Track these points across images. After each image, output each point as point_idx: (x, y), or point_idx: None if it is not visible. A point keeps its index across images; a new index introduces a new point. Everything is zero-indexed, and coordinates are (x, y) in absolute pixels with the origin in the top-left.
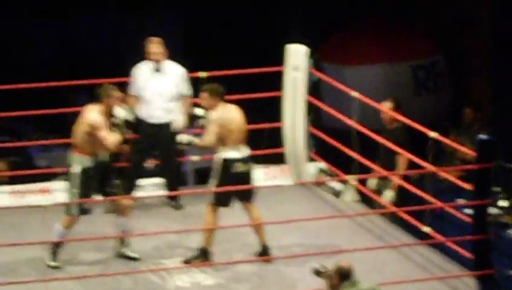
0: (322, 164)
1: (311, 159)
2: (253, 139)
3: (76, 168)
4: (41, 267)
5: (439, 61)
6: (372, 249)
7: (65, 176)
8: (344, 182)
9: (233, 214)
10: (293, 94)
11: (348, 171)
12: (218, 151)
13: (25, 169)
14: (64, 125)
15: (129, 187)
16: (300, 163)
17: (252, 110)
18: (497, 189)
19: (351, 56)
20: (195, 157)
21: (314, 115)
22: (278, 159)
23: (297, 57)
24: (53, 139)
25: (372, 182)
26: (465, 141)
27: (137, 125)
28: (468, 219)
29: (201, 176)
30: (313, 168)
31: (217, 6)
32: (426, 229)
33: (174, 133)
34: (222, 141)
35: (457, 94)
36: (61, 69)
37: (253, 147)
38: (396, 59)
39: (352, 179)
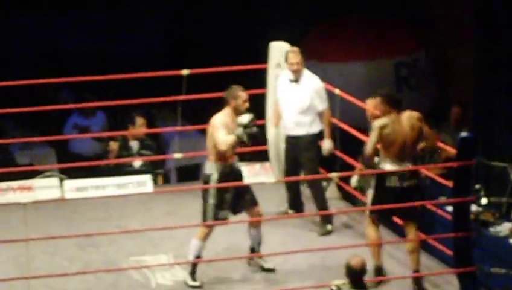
0: None
1: None
2: None
3: (213, 176)
4: (22, 265)
5: (421, 58)
6: (354, 247)
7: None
8: (326, 179)
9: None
10: (276, 91)
11: (330, 169)
12: (379, 162)
13: (5, 166)
14: (45, 123)
15: (292, 202)
16: (282, 160)
17: None
18: (478, 186)
19: (333, 53)
20: (177, 155)
21: None
22: (261, 157)
23: (279, 55)
24: (34, 136)
25: (355, 180)
26: (447, 139)
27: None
28: (449, 217)
29: (184, 173)
30: None
31: (200, 3)
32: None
33: (309, 148)
34: (383, 151)
35: (439, 91)
36: (43, 66)
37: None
38: (379, 56)
39: (334, 176)
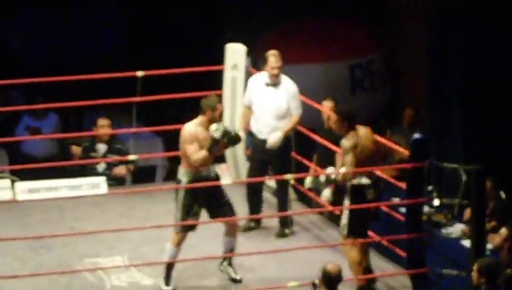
0: None
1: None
2: None
3: (182, 183)
4: None
5: (375, 60)
6: (309, 248)
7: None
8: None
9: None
10: (232, 93)
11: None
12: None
13: None
14: None
15: (250, 206)
16: (239, 162)
17: (191, 110)
18: (431, 188)
19: (288, 55)
20: (132, 157)
21: None
22: (217, 159)
23: (235, 56)
24: None
25: (309, 181)
26: (400, 140)
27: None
28: (402, 218)
29: (139, 175)
30: None
31: (157, 4)
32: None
33: (283, 152)
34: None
35: (393, 93)
36: None
37: None
38: (334, 58)
39: (290, 177)
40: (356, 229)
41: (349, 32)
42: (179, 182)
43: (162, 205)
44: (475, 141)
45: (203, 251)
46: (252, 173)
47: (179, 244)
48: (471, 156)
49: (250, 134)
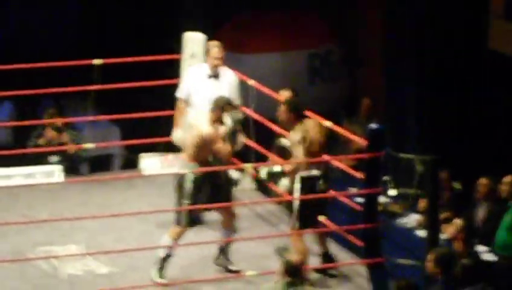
0: None
1: None
2: (150, 127)
3: (188, 176)
4: None
5: (334, 50)
6: (267, 237)
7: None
8: (241, 170)
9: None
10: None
11: (245, 160)
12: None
13: None
14: None
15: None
16: None
17: (149, 98)
18: (387, 178)
19: (247, 44)
20: (88, 145)
21: None
22: (175, 147)
23: (194, 45)
24: None
25: (264, 171)
26: (358, 130)
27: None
28: (359, 208)
29: (95, 164)
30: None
31: None
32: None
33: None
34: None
35: (351, 83)
36: None
37: (150, 135)
38: (292, 47)
39: (249, 167)
40: (305, 220)
41: (308, 22)
42: (182, 176)
43: (118, 194)
44: (430, 131)
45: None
46: None
47: (177, 238)
48: (426, 147)
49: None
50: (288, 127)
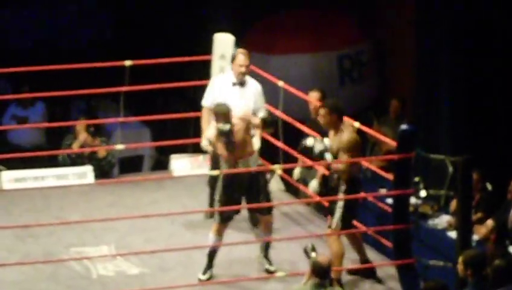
0: None
1: None
2: (180, 128)
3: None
4: None
5: (364, 50)
6: (296, 239)
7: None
8: (269, 171)
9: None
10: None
11: (273, 161)
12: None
13: None
14: None
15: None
16: None
17: (179, 99)
18: (417, 179)
19: (277, 45)
20: (119, 146)
21: None
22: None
23: (224, 46)
24: None
25: (297, 172)
26: (388, 132)
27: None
28: (389, 209)
29: (126, 165)
30: None
31: None
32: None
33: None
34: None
35: (381, 84)
36: None
37: (180, 136)
38: (322, 48)
39: (277, 168)
40: (349, 221)
41: (339, 22)
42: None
43: (149, 195)
44: (462, 132)
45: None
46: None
47: (219, 233)
48: (458, 148)
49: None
50: (329, 128)
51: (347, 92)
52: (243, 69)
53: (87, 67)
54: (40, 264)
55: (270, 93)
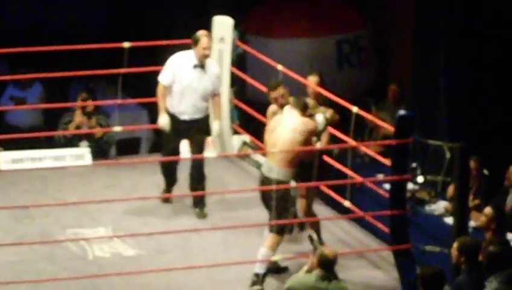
0: (246, 137)
1: (235, 132)
2: None
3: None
4: None
5: (363, 35)
6: (292, 222)
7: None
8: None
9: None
10: (219, 65)
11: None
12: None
13: None
14: None
15: (166, 183)
16: (224, 135)
17: None
18: (415, 165)
19: (276, 29)
20: (117, 128)
21: (239, 87)
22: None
23: (223, 29)
24: None
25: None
26: (386, 117)
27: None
28: (386, 194)
29: (123, 147)
30: (237, 141)
31: None
32: (346, 203)
33: (203, 132)
34: None
35: (380, 69)
36: None
37: None
38: (321, 33)
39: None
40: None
41: (338, 7)
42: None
43: (146, 178)
44: (460, 118)
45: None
46: (168, 151)
47: (274, 248)
48: (456, 134)
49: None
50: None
51: (345, 77)
52: (207, 52)
53: (85, 49)
54: (36, 245)
55: (269, 77)
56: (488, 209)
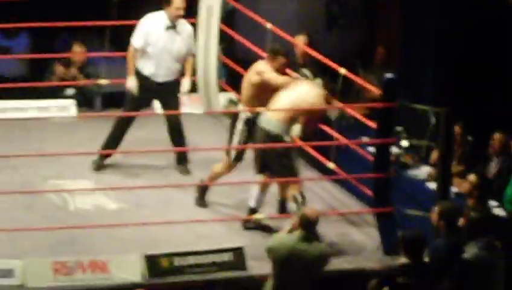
0: (233, 95)
1: (222, 89)
2: None
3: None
4: None
5: None
6: (275, 182)
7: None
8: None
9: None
10: (207, 22)
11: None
12: None
13: None
14: None
15: (113, 141)
16: (211, 92)
17: None
18: (400, 129)
19: None
20: (103, 81)
21: (227, 45)
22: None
23: None
24: None
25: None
26: (373, 79)
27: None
28: (370, 157)
29: (109, 100)
30: (224, 98)
31: None
32: (331, 165)
33: (176, 93)
34: None
35: (369, 32)
36: None
37: None
38: None
39: (261, 110)
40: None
41: None
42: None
43: (129, 133)
44: (445, 83)
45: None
46: (130, 110)
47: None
48: (441, 99)
49: (138, 74)
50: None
51: (334, 38)
52: (181, 12)
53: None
54: (17, 194)
55: (258, 36)
56: (472, 176)
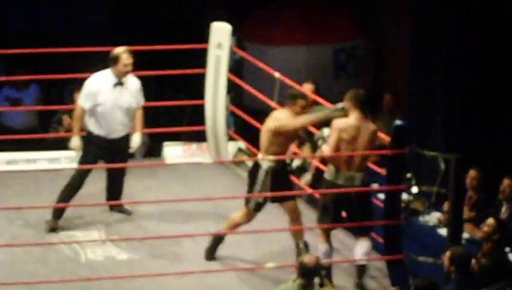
0: (242, 143)
1: (231, 138)
2: (175, 115)
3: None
4: None
5: (359, 45)
6: (288, 230)
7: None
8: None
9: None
10: (216, 72)
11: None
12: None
13: None
14: None
15: (69, 195)
16: (220, 141)
17: (174, 87)
18: (409, 175)
19: (274, 36)
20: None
21: (235, 94)
22: (199, 137)
23: (221, 35)
24: None
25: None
26: (381, 126)
27: (89, 140)
28: (381, 204)
29: None
30: (233, 147)
31: None
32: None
33: (128, 144)
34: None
35: (375, 79)
36: None
37: (174, 124)
38: (318, 41)
39: (270, 159)
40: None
41: (335, 16)
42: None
43: (140, 182)
44: (455, 129)
45: None
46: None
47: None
48: (451, 145)
49: (90, 134)
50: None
51: (342, 86)
52: (129, 68)
53: (83, 52)
54: (29, 246)
55: (266, 84)
56: (490, 220)
